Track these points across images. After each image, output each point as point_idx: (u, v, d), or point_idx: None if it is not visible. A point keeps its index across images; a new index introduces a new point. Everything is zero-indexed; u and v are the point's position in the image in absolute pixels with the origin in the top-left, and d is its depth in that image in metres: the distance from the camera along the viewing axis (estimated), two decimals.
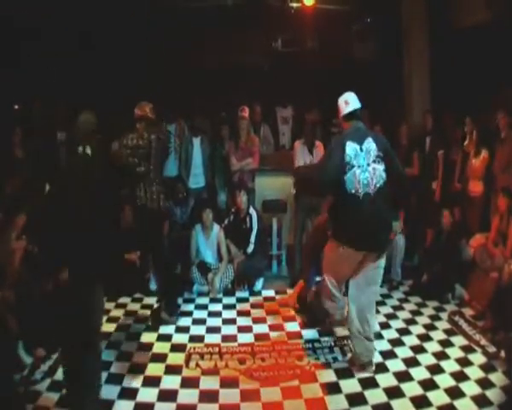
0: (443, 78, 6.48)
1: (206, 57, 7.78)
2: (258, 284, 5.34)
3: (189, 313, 4.73)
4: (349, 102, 3.64)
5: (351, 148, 3.44)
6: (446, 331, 4.25)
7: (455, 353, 3.88)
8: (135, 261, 5.21)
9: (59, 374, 3.53)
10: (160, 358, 3.89)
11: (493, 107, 5.52)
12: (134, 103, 4.41)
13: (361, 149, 3.45)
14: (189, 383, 3.55)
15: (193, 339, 4.21)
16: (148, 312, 4.70)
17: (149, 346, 4.07)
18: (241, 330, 4.40)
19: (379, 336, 4.15)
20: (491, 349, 3.86)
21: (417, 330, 4.30)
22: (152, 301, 4.88)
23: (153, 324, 4.45)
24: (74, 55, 6.59)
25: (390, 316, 4.59)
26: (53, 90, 6.26)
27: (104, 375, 3.54)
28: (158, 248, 4.55)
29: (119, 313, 4.70)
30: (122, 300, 4.95)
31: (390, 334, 4.23)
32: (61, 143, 5.77)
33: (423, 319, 4.51)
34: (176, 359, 3.88)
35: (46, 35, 6.37)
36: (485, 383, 3.43)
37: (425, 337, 4.15)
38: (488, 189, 5.32)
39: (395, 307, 4.79)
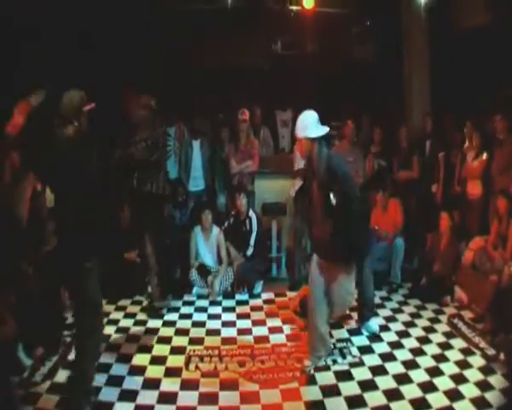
0: (443, 79, 6.48)
1: (206, 57, 7.78)
2: (258, 287, 5.34)
3: (189, 316, 4.73)
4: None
5: None
6: (446, 334, 4.25)
7: (454, 355, 3.88)
8: (134, 260, 5.20)
9: (59, 376, 3.54)
10: (160, 360, 3.89)
11: (493, 108, 5.53)
12: (134, 103, 4.47)
13: None
14: (188, 385, 3.55)
15: (192, 341, 4.21)
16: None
17: (149, 348, 4.08)
18: (241, 332, 4.40)
19: (378, 339, 4.17)
20: (491, 352, 3.86)
21: (417, 332, 4.30)
22: None
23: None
24: (74, 55, 6.58)
25: (389, 319, 4.60)
26: (53, 90, 6.23)
27: (104, 377, 3.55)
28: (158, 230, 4.60)
29: (118, 315, 4.70)
30: (122, 302, 4.95)
31: (389, 336, 4.23)
32: None
33: (423, 322, 4.51)
34: (175, 361, 3.88)
35: (46, 35, 6.35)
36: (484, 386, 3.43)
37: (424, 340, 4.15)
38: (487, 191, 5.32)
39: (394, 310, 4.79)
